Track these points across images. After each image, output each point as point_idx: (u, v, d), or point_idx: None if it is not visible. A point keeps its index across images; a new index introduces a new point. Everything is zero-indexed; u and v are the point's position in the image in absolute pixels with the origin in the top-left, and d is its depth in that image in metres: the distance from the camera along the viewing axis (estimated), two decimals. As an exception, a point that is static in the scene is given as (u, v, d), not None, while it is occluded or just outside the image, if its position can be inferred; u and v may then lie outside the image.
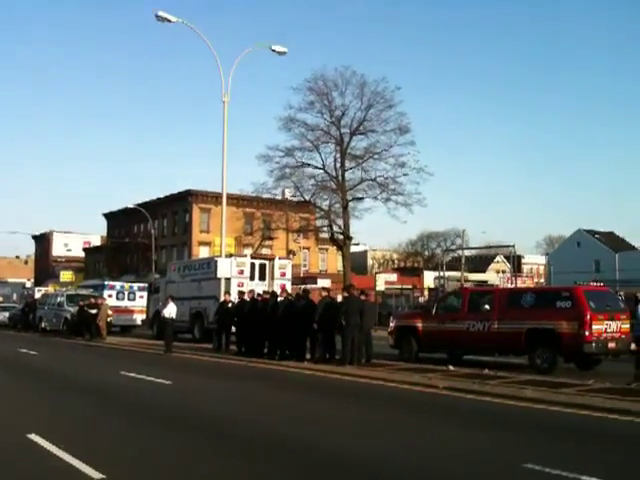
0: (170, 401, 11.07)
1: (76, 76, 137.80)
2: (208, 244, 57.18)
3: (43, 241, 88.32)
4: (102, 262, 73.59)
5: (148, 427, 8.80)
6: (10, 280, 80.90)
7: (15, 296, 52.54)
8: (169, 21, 20.52)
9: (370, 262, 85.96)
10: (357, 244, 77.50)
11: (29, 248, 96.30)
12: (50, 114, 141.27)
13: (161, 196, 63.03)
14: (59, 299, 32.57)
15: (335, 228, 39.95)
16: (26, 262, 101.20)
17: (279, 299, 18.01)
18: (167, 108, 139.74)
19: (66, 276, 76.09)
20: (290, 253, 49.16)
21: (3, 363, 18.31)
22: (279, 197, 42.18)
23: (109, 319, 30.28)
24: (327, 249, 62.44)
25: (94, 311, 27.01)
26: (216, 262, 22.32)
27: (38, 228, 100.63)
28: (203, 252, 56.57)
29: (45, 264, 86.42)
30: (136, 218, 62.40)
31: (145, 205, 59.23)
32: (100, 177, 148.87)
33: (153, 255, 55.07)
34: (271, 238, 50.06)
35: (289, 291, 21.09)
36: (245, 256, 25.00)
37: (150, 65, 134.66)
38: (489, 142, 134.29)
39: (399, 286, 50.23)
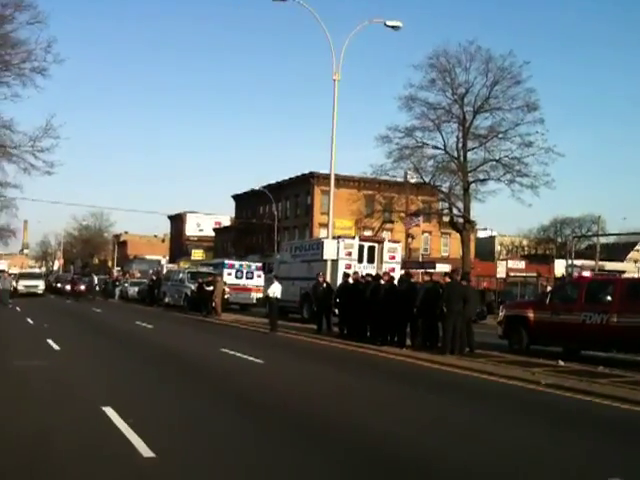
0: (256, 381, 10.97)
1: (194, 64, 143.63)
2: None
3: (178, 221, 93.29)
4: (230, 242, 76.41)
5: (224, 406, 8.72)
6: (148, 257, 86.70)
7: (151, 272, 55.84)
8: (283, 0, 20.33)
9: (498, 248, 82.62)
10: (484, 229, 74.78)
11: (166, 227, 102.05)
12: (184, 102, 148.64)
13: (285, 178, 64.16)
14: (181, 276, 34.09)
15: (455, 211, 38.54)
16: (163, 240, 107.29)
17: (382, 282, 17.47)
18: (292, 92, 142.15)
19: (197, 254, 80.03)
20: (409, 237, 48.24)
21: (115, 335, 19.36)
22: (399, 179, 41.26)
23: (226, 296, 31.26)
24: (450, 234, 60.43)
25: (210, 288, 27.90)
26: (323, 243, 22.17)
27: (174, 209, 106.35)
28: (323, 234, 56.84)
29: (179, 243, 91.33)
30: (261, 200, 64.07)
31: (270, 187, 60.63)
32: (230, 159, 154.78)
33: (276, 236, 56.26)
34: (392, 221, 49.33)
35: (395, 274, 20.48)
36: (353, 238, 24.65)
37: (263, 42, 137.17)
38: (632, 118, 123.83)
39: (524, 274, 47.70)
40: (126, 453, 6.07)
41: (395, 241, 26.46)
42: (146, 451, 6.08)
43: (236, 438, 6.92)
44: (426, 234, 61.26)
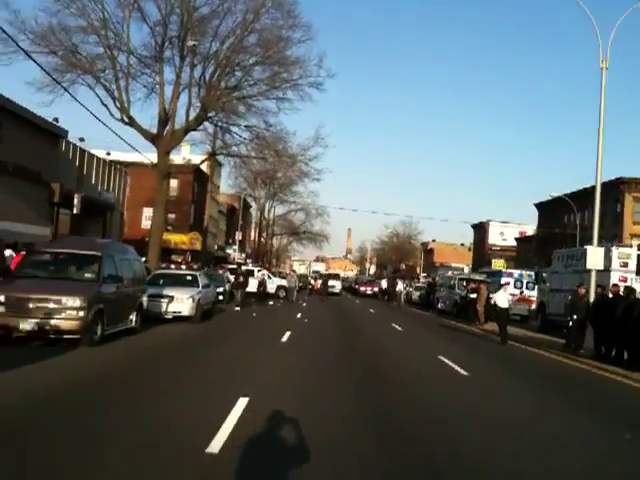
0: (446, 396, 9.75)
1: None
2: (643, 237, 50.57)
3: (481, 230, 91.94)
4: (532, 252, 72.45)
5: (373, 408, 8.05)
6: (453, 265, 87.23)
7: (432, 278, 56.14)
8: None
9: None
10: None
11: (471, 236, 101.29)
12: (487, 113, 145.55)
13: (590, 185, 58.40)
14: (452, 282, 33.31)
15: None
16: (469, 249, 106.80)
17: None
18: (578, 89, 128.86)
19: (497, 264, 77.48)
20: None
21: (355, 331, 19.78)
22: None
23: (498, 306, 29.67)
24: None
25: (474, 296, 26.79)
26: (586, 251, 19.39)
27: (478, 217, 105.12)
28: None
29: (482, 251, 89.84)
30: (565, 208, 59.34)
31: (573, 195, 55.89)
32: (533, 166, 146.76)
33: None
34: None
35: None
36: (630, 247, 21.12)
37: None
38: None
39: None
40: (192, 448, 5.71)
41: (688, 252, 21.90)
42: (213, 448, 5.68)
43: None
44: None
